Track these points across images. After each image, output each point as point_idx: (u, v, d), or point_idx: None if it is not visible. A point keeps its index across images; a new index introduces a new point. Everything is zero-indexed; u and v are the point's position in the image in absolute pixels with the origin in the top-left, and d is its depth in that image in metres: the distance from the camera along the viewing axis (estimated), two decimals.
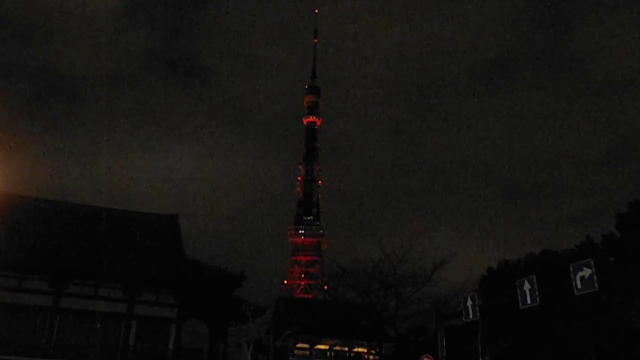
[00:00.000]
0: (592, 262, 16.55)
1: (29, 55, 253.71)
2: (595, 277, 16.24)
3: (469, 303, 21.53)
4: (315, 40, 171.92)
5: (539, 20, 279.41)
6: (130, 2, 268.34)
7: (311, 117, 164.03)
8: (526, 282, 18.70)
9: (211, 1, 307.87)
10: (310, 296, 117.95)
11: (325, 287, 51.41)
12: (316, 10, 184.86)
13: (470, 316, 21.41)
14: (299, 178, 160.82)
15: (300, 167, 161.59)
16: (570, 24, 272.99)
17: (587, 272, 16.42)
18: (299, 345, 49.62)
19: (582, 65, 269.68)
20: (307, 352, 50.33)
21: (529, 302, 18.47)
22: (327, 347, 51.56)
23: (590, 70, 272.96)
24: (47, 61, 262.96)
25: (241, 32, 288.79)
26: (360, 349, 50.88)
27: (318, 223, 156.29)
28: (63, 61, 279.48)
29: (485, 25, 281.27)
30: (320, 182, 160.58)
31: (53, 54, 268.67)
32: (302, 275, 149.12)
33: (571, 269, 16.87)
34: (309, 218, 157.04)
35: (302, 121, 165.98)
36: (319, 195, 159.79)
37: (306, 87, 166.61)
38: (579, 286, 16.58)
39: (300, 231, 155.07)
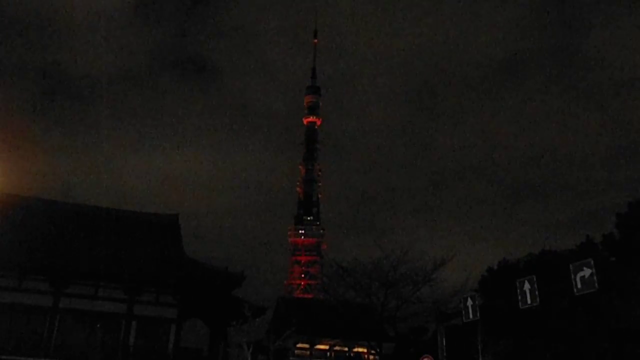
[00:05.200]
0: (592, 262, 16.58)
1: (35, 54, 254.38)
2: (595, 277, 16.27)
3: (469, 303, 21.53)
4: (316, 40, 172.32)
5: (547, 22, 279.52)
6: (138, 1, 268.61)
7: (311, 117, 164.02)
8: (526, 282, 18.71)
9: (216, 0, 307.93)
10: (310, 296, 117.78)
11: (325, 288, 51.36)
12: (316, 11, 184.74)
13: (470, 316, 21.40)
14: (299, 178, 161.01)
15: (300, 167, 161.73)
16: (579, 25, 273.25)
17: (587, 272, 16.45)
18: (299, 345, 49.57)
19: (590, 66, 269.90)
20: (307, 352, 50.30)
21: (529, 302, 18.49)
22: (327, 347, 51.53)
23: (598, 71, 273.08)
24: (53, 60, 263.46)
25: (245, 31, 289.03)
26: (360, 349, 50.85)
27: (318, 223, 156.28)
28: (69, 60, 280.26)
29: (491, 25, 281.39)
30: (320, 182, 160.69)
31: (59, 52, 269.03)
32: (302, 275, 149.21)
33: (571, 268, 16.89)
34: (309, 218, 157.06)
35: (302, 121, 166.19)
36: (319, 195, 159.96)
37: (306, 87, 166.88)
38: (579, 286, 16.61)
39: (300, 231, 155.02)
